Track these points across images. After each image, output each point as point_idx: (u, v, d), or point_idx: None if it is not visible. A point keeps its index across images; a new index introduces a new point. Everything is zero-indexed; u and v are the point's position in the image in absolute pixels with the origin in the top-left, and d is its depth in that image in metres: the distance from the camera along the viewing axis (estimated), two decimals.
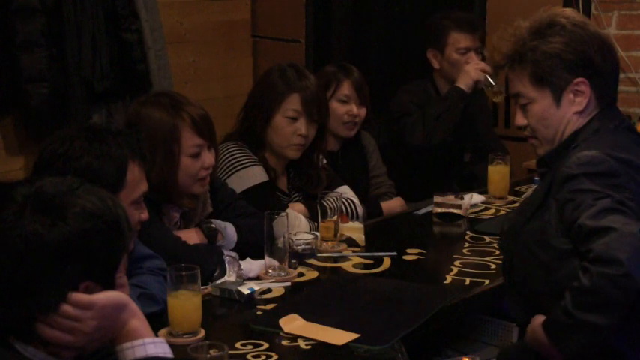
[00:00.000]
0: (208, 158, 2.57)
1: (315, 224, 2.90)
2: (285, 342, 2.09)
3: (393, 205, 3.54)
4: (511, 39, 2.12)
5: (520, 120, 2.16)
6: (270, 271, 2.51)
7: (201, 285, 2.16)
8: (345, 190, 3.17)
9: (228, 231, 2.63)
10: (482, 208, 3.26)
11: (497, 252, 2.71)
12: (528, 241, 2.10)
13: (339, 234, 2.80)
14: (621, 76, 4.12)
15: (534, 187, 3.40)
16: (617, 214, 1.92)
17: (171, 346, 1.66)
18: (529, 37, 2.08)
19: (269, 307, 2.30)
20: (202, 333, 2.10)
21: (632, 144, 2.09)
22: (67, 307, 1.54)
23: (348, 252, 2.75)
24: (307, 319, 2.18)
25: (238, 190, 2.88)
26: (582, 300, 1.91)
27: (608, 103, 2.13)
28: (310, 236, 2.75)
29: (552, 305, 1.99)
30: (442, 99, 3.77)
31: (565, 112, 2.09)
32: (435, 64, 3.90)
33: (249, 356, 2.00)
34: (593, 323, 1.91)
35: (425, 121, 3.71)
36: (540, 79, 2.08)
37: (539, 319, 2.05)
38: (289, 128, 3.02)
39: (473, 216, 3.15)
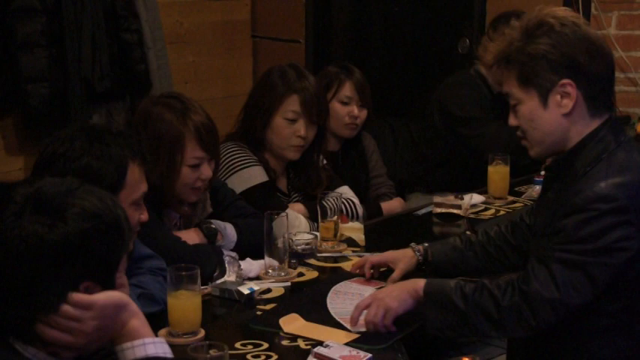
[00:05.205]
0: (206, 171, 2.56)
1: (315, 224, 2.90)
2: (285, 342, 2.09)
3: (393, 205, 3.54)
4: (501, 39, 2.12)
5: (512, 120, 2.15)
6: (270, 271, 2.51)
7: (201, 285, 2.16)
8: (345, 190, 3.17)
9: (228, 231, 2.63)
10: (482, 208, 3.25)
11: None
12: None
13: (339, 234, 2.79)
14: (621, 76, 4.15)
15: (534, 187, 3.43)
16: (584, 277, 1.96)
17: (171, 346, 1.66)
18: (518, 37, 2.06)
19: (269, 307, 2.30)
20: (202, 333, 2.10)
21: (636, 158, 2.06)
22: (67, 308, 1.53)
23: (348, 252, 2.75)
24: (307, 319, 2.18)
25: (238, 190, 2.88)
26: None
27: (609, 108, 2.09)
28: (310, 236, 2.75)
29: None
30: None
31: (553, 114, 2.06)
32: None
33: (249, 356, 2.00)
34: (484, 331, 2.05)
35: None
36: (526, 80, 2.06)
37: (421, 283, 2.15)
38: (289, 129, 3.02)
39: (473, 216, 3.15)
